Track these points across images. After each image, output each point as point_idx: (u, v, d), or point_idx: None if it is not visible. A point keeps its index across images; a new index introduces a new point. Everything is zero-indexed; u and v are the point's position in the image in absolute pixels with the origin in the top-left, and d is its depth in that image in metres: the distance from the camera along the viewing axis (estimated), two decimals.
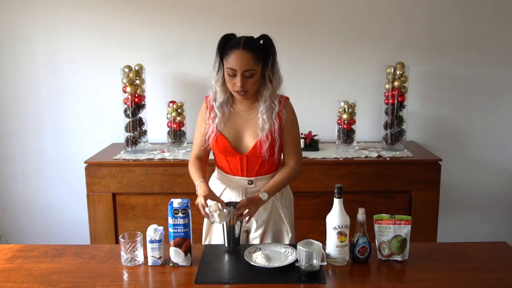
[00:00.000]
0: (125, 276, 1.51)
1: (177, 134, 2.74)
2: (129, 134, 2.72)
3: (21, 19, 2.86)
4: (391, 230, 1.58)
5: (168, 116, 2.73)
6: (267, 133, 1.77)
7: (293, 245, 1.66)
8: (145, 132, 2.76)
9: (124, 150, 2.74)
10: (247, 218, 1.68)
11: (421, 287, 1.43)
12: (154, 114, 2.89)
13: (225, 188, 1.89)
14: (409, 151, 2.69)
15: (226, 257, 1.62)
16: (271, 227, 1.88)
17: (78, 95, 2.96)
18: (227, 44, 1.72)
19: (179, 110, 2.71)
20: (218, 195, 1.89)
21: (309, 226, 2.50)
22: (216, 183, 1.93)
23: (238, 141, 1.82)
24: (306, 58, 2.90)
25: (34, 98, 2.96)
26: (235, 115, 1.83)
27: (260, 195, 1.72)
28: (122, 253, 1.57)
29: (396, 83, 2.66)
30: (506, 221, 3.07)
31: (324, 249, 1.54)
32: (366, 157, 2.61)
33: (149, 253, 1.56)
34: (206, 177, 1.82)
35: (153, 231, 1.55)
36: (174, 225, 1.54)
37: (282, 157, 1.91)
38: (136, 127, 2.72)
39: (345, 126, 2.75)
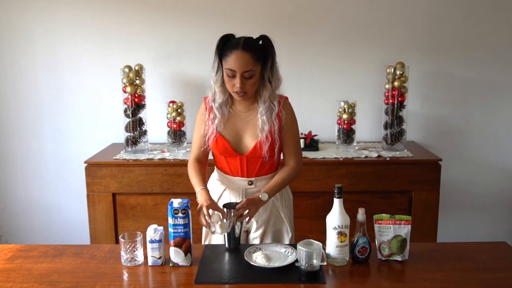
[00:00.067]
0: (125, 276, 1.51)
1: (177, 134, 2.74)
2: (129, 134, 2.72)
3: (21, 19, 2.86)
4: (391, 230, 1.58)
5: (168, 116, 2.73)
6: (267, 134, 1.76)
7: (293, 245, 1.66)
8: (145, 132, 2.76)
9: (124, 150, 2.74)
10: (247, 219, 1.68)
11: (421, 287, 1.43)
12: (154, 114, 2.89)
13: (225, 189, 1.88)
14: (409, 151, 2.69)
15: (226, 257, 1.63)
16: (271, 227, 1.88)
17: (78, 95, 2.96)
18: (226, 44, 1.71)
19: (179, 110, 2.71)
20: (218, 196, 1.89)
21: (309, 226, 2.50)
22: (216, 184, 1.92)
23: (238, 142, 1.81)
24: (306, 58, 2.90)
25: (34, 98, 2.96)
26: (235, 116, 1.83)
27: (260, 196, 1.72)
28: (122, 253, 1.57)
29: (396, 83, 2.66)
30: (506, 221, 3.07)
31: (324, 249, 1.54)
32: (366, 157, 2.61)
33: (149, 253, 1.56)
34: (206, 182, 1.81)
35: (153, 231, 1.55)
36: (174, 225, 1.54)
37: (282, 157, 1.91)
38: (136, 127, 2.72)
39: (345, 126, 2.75)
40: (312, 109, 2.94)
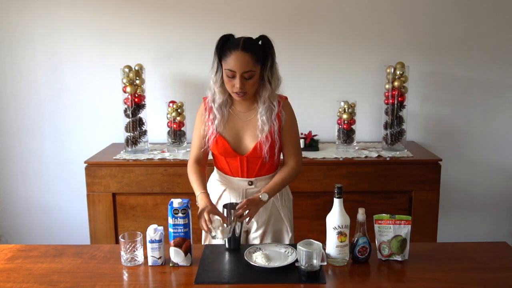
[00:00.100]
0: (125, 276, 1.51)
1: (177, 134, 2.74)
2: (129, 134, 2.72)
3: (21, 19, 2.86)
4: (391, 230, 1.58)
5: (168, 116, 2.73)
6: (267, 135, 1.76)
7: (293, 245, 1.66)
8: (145, 132, 2.76)
9: (124, 150, 2.74)
10: (247, 219, 1.68)
11: (421, 287, 1.43)
12: (154, 114, 2.89)
13: (225, 189, 1.88)
14: (409, 151, 2.69)
15: (226, 257, 1.62)
16: (271, 227, 1.88)
17: (78, 95, 2.96)
18: (225, 45, 1.70)
19: (179, 110, 2.71)
20: (218, 196, 1.89)
21: (309, 226, 2.50)
22: (216, 184, 1.92)
23: (238, 142, 1.81)
24: (306, 58, 2.90)
25: (34, 98, 2.96)
26: (234, 116, 1.82)
27: (260, 196, 1.72)
28: (122, 253, 1.57)
29: (396, 83, 2.66)
30: (506, 221, 3.07)
31: (324, 249, 1.54)
32: (366, 157, 2.61)
33: (149, 253, 1.56)
34: (206, 185, 1.81)
35: (153, 231, 1.55)
36: (174, 225, 1.54)
37: (281, 157, 1.90)
38: (136, 127, 2.72)
39: (345, 126, 2.75)
40: (312, 109, 2.94)
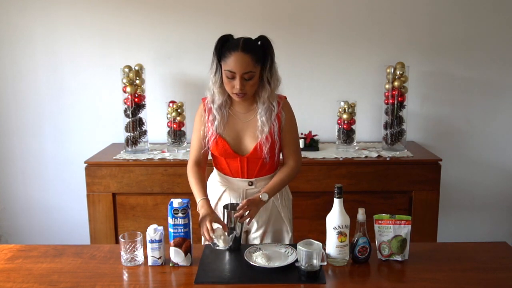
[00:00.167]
0: (125, 276, 1.51)
1: (177, 134, 2.74)
2: (129, 134, 2.72)
3: (21, 19, 2.86)
4: (391, 230, 1.58)
5: (168, 116, 2.73)
6: (267, 135, 1.76)
7: (293, 245, 1.66)
8: (145, 132, 2.76)
9: (124, 150, 2.74)
10: (248, 220, 1.68)
11: (421, 287, 1.43)
12: (154, 114, 2.89)
13: (225, 190, 1.87)
14: (409, 151, 2.69)
15: (226, 257, 1.62)
16: (271, 227, 1.87)
17: (78, 95, 2.96)
18: (224, 45, 1.70)
19: (179, 110, 2.71)
20: (218, 197, 1.88)
21: (309, 226, 2.50)
22: (216, 185, 1.91)
23: (238, 143, 1.80)
24: (306, 58, 2.90)
25: (34, 98, 2.96)
26: (234, 117, 1.82)
27: (260, 196, 1.72)
28: (122, 253, 1.57)
29: (396, 83, 2.66)
30: (506, 221, 3.07)
31: (324, 249, 1.54)
32: (366, 157, 2.61)
33: (149, 253, 1.56)
34: (206, 190, 1.79)
35: (153, 231, 1.55)
36: (174, 225, 1.54)
37: (281, 157, 1.90)
38: (136, 127, 2.72)
39: (345, 126, 2.75)
40: (312, 109, 2.94)
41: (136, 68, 2.68)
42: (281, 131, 1.80)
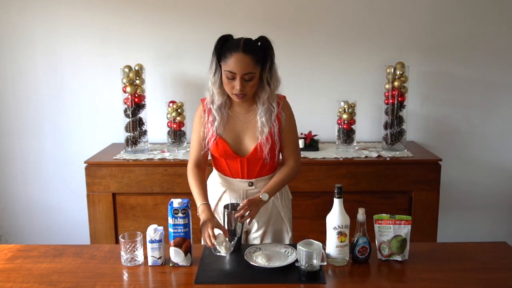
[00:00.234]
0: (125, 276, 1.51)
1: (177, 134, 2.74)
2: (129, 134, 2.72)
3: (21, 19, 2.86)
4: (391, 230, 1.58)
5: (168, 116, 2.73)
6: (267, 136, 1.75)
7: (293, 245, 1.66)
8: (145, 132, 2.76)
9: (124, 150, 2.74)
10: (248, 220, 1.67)
11: (421, 287, 1.43)
12: (154, 114, 2.89)
13: (225, 190, 1.87)
14: (409, 151, 2.69)
15: (227, 257, 1.62)
16: (272, 227, 1.87)
17: (78, 95, 2.96)
18: (224, 45, 1.69)
19: (179, 110, 2.71)
20: (218, 197, 1.88)
21: (309, 226, 2.50)
22: (216, 186, 1.90)
23: (238, 144, 1.80)
24: (306, 58, 2.90)
25: (34, 98, 2.96)
26: (234, 117, 1.81)
27: (260, 196, 1.71)
28: (122, 253, 1.57)
29: (396, 83, 2.66)
30: (506, 221, 3.07)
31: (324, 249, 1.54)
32: (366, 157, 2.61)
33: (149, 253, 1.56)
34: (207, 193, 1.78)
35: (153, 231, 1.55)
36: (174, 225, 1.54)
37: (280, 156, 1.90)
38: (136, 127, 2.72)
39: (345, 126, 2.75)
40: (312, 109, 2.94)
41: (136, 68, 2.68)
42: (281, 132, 1.80)
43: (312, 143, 2.75)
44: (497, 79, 2.91)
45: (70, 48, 2.90)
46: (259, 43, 1.72)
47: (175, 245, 1.54)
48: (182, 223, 1.54)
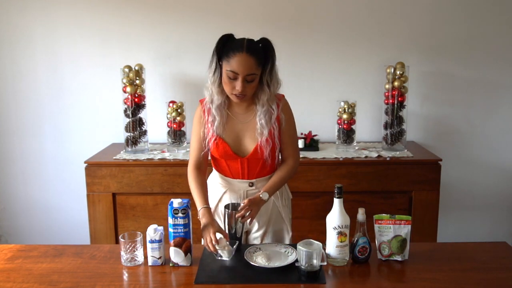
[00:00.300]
0: (125, 276, 1.51)
1: (177, 134, 2.74)
2: (129, 134, 2.72)
3: (21, 19, 2.86)
4: (391, 230, 1.58)
5: (168, 116, 2.73)
6: (267, 138, 1.74)
7: (293, 245, 1.66)
8: (145, 132, 2.76)
9: (124, 150, 2.74)
10: (249, 220, 1.67)
11: (421, 287, 1.43)
12: (154, 114, 2.89)
13: (225, 191, 1.87)
14: (409, 151, 2.69)
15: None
16: (272, 227, 1.87)
17: (78, 95, 2.96)
18: (226, 45, 1.68)
19: (179, 110, 2.71)
20: (218, 198, 1.87)
21: (309, 226, 2.50)
22: (216, 186, 1.90)
23: (238, 144, 1.79)
24: (306, 58, 2.90)
25: (34, 98, 2.96)
26: (233, 118, 1.80)
27: (260, 195, 1.71)
28: (122, 253, 1.57)
29: (396, 83, 2.66)
30: (506, 221, 3.07)
31: (324, 249, 1.54)
32: (366, 157, 2.61)
33: (149, 253, 1.56)
34: (207, 196, 1.78)
35: (153, 231, 1.55)
36: (174, 225, 1.54)
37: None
38: (136, 127, 2.72)
39: (345, 126, 2.75)
40: (312, 109, 2.94)
41: (136, 68, 2.68)
42: (281, 132, 1.80)
43: (312, 143, 2.75)
44: (497, 79, 2.91)
45: (70, 48, 2.90)
46: (260, 45, 1.71)
47: (175, 245, 1.54)
48: (182, 223, 1.54)
